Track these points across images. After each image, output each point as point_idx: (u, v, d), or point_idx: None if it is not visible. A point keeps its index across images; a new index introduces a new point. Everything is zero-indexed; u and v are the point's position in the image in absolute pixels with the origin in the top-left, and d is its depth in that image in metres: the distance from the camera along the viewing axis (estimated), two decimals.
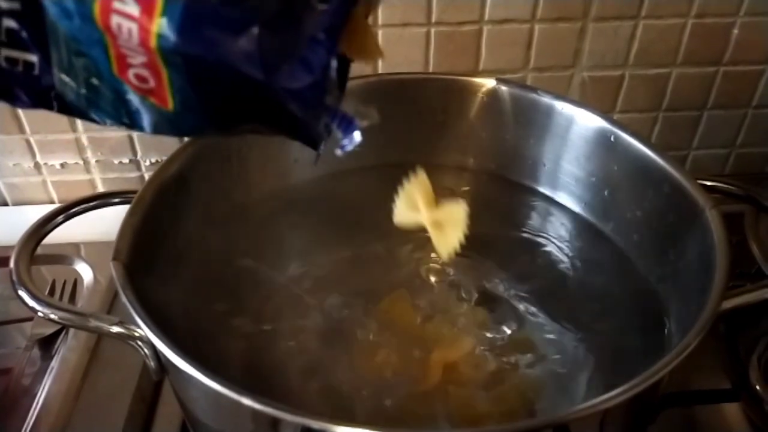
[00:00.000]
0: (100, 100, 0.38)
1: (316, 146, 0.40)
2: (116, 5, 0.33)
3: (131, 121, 0.39)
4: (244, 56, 0.34)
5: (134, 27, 0.34)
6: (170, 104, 0.37)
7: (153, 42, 0.34)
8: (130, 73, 0.36)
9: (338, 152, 0.40)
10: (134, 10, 0.33)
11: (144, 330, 0.44)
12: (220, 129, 0.40)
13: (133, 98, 0.37)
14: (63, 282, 0.73)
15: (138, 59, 0.35)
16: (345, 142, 0.40)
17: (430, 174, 0.62)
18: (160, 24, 0.33)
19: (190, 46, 0.34)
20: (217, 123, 0.39)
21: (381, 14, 0.75)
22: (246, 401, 0.40)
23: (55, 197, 0.87)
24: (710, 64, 0.82)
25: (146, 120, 0.38)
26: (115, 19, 0.34)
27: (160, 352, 0.44)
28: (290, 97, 0.36)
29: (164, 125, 0.38)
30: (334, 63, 0.36)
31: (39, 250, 0.74)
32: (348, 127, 0.39)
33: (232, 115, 0.39)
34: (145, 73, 0.36)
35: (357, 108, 0.40)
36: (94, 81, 0.37)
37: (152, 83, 0.36)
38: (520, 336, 0.59)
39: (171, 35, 0.33)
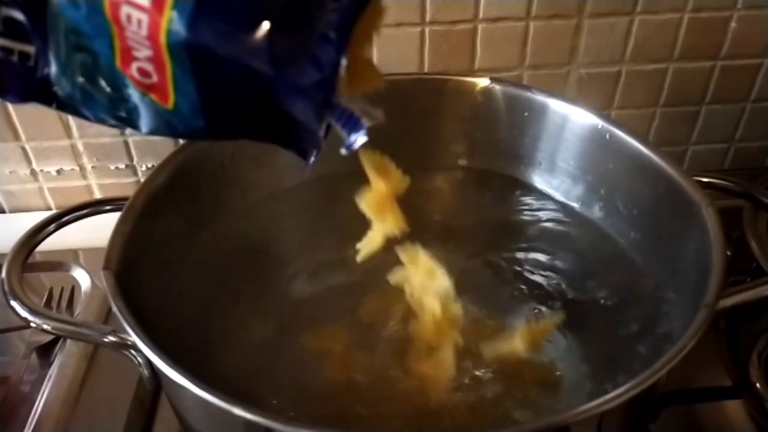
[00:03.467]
0: (96, 95, 0.38)
1: (306, 156, 0.40)
2: None
3: (127, 118, 0.38)
4: (254, 52, 0.34)
5: (144, 18, 0.34)
6: (171, 102, 0.36)
7: (162, 35, 0.34)
8: (134, 66, 0.36)
9: (343, 151, 0.40)
10: (145, 1, 0.33)
11: (134, 339, 0.44)
12: (217, 134, 0.40)
13: (133, 93, 0.37)
14: (61, 289, 0.73)
15: (143, 53, 0.35)
16: (351, 140, 0.39)
17: (425, 174, 0.62)
18: (171, 17, 0.33)
19: (200, 40, 0.34)
20: (215, 127, 0.38)
21: None
22: (237, 411, 0.40)
23: (52, 204, 0.87)
24: (707, 59, 0.82)
25: (143, 118, 0.38)
26: (125, 10, 0.34)
27: (152, 361, 0.44)
28: (298, 94, 0.36)
29: (161, 124, 0.38)
30: (343, 61, 0.35)
31: (38, 257, 0.75)
32: (354, 127, 0.39)
33: (231, 119, 0.38)
34: (149, 67, 0.35)
35: (364, 107, 0.39)
36: (93, 76, 0.37)
37: (155, 78, 0.36)
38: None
39: (181, 29, 0.33)
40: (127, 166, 0.84)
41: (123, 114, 0.38)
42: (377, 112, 0.40)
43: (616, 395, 0.41)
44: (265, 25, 0.34)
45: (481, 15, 0.76)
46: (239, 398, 0.40)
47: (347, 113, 0.39)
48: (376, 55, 0.77)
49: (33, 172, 0.84)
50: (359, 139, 0.39)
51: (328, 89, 0.36)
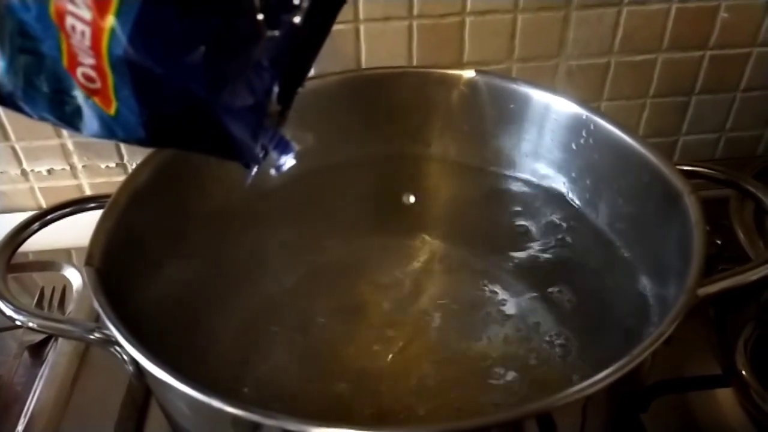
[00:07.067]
0: (40, 93, 0.39)
1: (249, 168, 0.42)
2: (70, 7, 0.34)
3: (70, 119, 0.39)
4: (190, 73, 0.35)
5: (87, 30, 0.34)
6: (113, 109, 0.37)
7: (103, 47, 0.34)
8: (79, 71, 0.37)
9: (273, 172, 0.42)
10: (87, 15, 0.34)
11: (116, 335, 0.44)
12: (158, 144, 0.41)
13: (79, 95, 0.38)
14: (52, 288, 0.73)
15: (87, 60, 0.36)
16: (281, 162, 0.42)
17: (410, 166, 0.62)
18: (113, 31, 0.34)
19: (138, 56, 0.34)
20: (155, 137, 0.39)
21: (362, 9, 0.75)
22: (217, 404, 0.39)
23: (43, 204, 0.86)
24: (696, 49, 0.82)
25: (86, 120, 0.39)
26: (69, 20, 0.35)
27: (134, 357, 0.44)
28: (232, 116, 0.37)
29: (103, 129, 0.39)
30: (275, 88, 0.37)
31: (30, 257, 0.75)
32: (284, 149, 0.41)
33: (172, 131, 0.39)
34: (92, 73, 0.36)
35: (294, 132, 0.42)
36: (38, 75, 0.38)
37: (98, 84, 0.37)
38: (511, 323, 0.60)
39: (121, 43, 0.34)
40: (117, 164, 0.84)
41: (66, 114, 0.39)
42: (307, 136, 0.43)
43: (595, 381, 0.41)
44: (201, 49, 0.34)
45: (468, 8, 0.76)
46: (226, 395, 0.40)
47: (278, 136, 0.41)
48: (364, 50, 0.77)
49: (24, 172, 0.84)
50: (288, 161, 0.42)
51: (261, 114, 0.38)
